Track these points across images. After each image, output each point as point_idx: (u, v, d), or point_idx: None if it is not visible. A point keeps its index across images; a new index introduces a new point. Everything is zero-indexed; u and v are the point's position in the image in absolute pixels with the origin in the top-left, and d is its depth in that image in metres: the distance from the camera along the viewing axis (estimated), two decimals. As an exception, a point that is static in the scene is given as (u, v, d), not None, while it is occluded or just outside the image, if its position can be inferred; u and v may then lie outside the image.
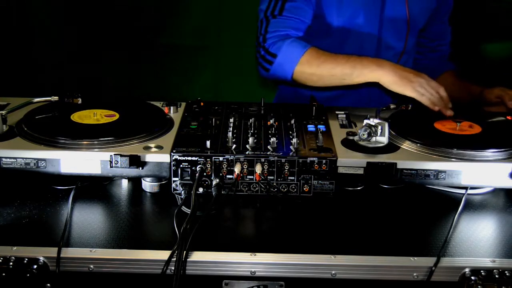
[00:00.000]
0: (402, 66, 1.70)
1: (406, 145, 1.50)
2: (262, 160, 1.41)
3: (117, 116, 1.60)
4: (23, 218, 1.39)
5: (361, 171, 1.42)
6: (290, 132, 1.55)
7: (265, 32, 1.83)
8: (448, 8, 2.09)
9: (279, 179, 1.42)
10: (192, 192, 1.36)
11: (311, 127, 1.60)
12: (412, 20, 1.96)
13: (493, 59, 2.61)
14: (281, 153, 1.42)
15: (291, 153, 1.42)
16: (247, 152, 1.43)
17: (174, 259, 1.20)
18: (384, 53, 1.97)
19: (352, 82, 1.74)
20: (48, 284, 1.25)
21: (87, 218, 1.40)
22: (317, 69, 1.75)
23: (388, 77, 1.66)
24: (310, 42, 1.81)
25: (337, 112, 1.73)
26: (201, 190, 1.42)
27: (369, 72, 1.68)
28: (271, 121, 1.61)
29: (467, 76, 2.07)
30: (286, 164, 1.41)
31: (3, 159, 1.41)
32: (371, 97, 2.03)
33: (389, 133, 1.49)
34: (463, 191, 1.52)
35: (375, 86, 1.71)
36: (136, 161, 1.39)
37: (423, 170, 1.42)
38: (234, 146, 1.45)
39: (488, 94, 1.88)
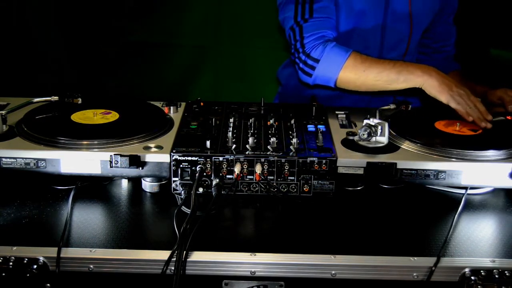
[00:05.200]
0: (448, 76, 1.68)
1: (406, 145, 1.50)
2: (262, 160, 1.41)
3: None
4: (23, 218, 1.39)
5: (361, 171, 1.42)
6: (290, 132, 1.55)
7: (301, 37, 1.81)
8: (452, 9, 2.09)
9: (279, 179, 1.42)
10: (192, 192, 1.36)
11: (311, 127, 1.60)
12: (416, 21, 1.96)
13: (499, 59, 2.61)
14: (281, 153, 1.42)
15: (291, 153, 1.42)
16: (247, 152, 1.43)
17: (174, 259, 1.20)
18: (386, 54, 1.97)
19: (397, 88, 1.72)
20: (48, 284, 1.25)
21: (87, 218, 1.40)
22: (363, 74, 1.74)
23: (431, 83, 1.64)
24: None
25: (337, 112, 1.73)
26: (201, 190, 1.42)
27: (415, 78, 1.67)
28: (271, 121, 1.61)
29: (473, 76, 2.07)
30: (286, 164, 1.41)
31: (3, 159, 1.41)
32: (372, 97, 2.03)
33: (389, 133, 1.50)
34: (463, 191, 1.52)
35: (419, 93, 1.69)
36: (136, 161, 1.39)
37: (423, 170, 1.42)
38: (234, 146, 1.45)
39: (490, 96, 1.88)
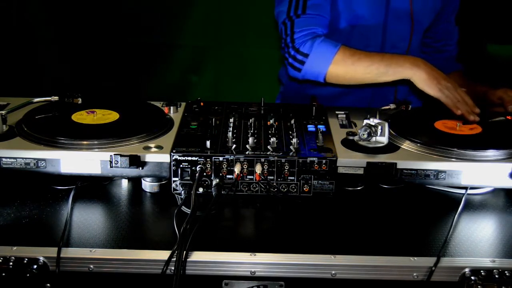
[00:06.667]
0: (436, 68, 1.70)
1: (406, 145, 1.50)
2: (262, 160, 1.41)
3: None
4: (23, 218, 1.39)
5: (361, 171, 1.42)
6: (290, 132, 1.55)
7: (292, 32, 1.82)
8: (453, 8, 2.09)
9: (279, 179, 1.42)
10: (192, 192, 1.36)
11: (311, 127, 1.60)
12: (417, 20, 1.96)
13: (500, 59, 2.61)
14: (281, 153, 1.42)
15: (291, 153, 1.42)
16: (247, 152, 1.43)
17: (174, 259, 1.20)
18: (388, 52, 1.96)
19: (386, 80, 1.74)
20: (48, 284, 1.25)
21: (87, 218, 1.40)
22: (351, 68, 1.74)
23: (420, 75, 1.66)
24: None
25: (337, 112, 1.73)
26: (201, 190, 1.42)
27: (403, 70, 1.69)
28: (271, 121, 1.61)
29: (474, 76, 2.07)
30: (286, 164, 1.41)
31: (3, 159, 1.41)
32: (372, 97, 2.03)
33: (389, 133, 1.50)
34: (463, 191, 1.52)
35: (405, 83, 1.73)
36: (136, 161, 1.39)
37: (423, 170, 1.42)
38: (234, 146, 1.45)
39: (490, 95, 1.88)
